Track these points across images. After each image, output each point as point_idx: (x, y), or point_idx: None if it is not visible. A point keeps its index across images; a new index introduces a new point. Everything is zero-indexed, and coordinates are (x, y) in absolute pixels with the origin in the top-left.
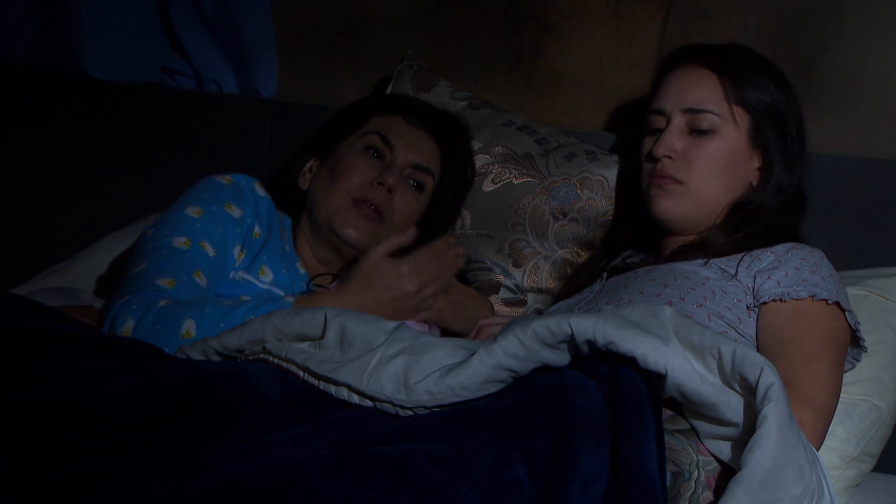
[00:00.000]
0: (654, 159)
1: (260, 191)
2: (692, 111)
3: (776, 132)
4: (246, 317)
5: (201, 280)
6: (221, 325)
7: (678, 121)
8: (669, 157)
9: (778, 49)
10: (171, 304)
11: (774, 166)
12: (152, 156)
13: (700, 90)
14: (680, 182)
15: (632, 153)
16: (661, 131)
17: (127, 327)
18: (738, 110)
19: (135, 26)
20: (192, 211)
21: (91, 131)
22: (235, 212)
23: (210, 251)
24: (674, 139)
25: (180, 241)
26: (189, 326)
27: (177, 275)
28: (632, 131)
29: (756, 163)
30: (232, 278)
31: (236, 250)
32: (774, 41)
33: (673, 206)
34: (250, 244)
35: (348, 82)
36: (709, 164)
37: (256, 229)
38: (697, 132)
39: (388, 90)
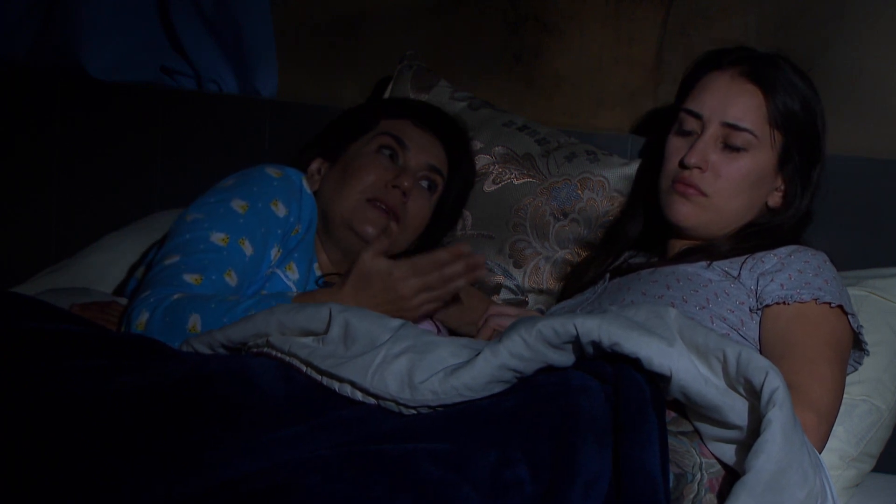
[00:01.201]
0: (681, 164)
1: (307, 187)
2: (731, 126)
3: (806, 159)
4: (248, 312)
5: (232, 280)
6: (224, 319)
7: (714, 131)
8: (700, 168)
9: (778, 49)
10: (181, 297)
11: (798, 193)
12: (152, 156)
13: (744, 106)
14: (705, 195)
15: (634, 154)
16: (692, 134)
17: (142, 320)
18: (776, 134)
19: (135, 26)
20: (238, 205)
21: (91, 131)
22: (281, 210)
23: (248, 250)
24: (708, 150)
25: (219, 238)
26: (195, 321)
27: (206, 272)
28: (641, 131)
29: (777, 183)
30: (263, 273)
31: (274, 251)
32: (774, 41)
33: (693, 215)
34: (286, 241)
35: (348, 82)
36: (737, 182)
37: (297, 226)
38: (731, 148)
39: (388, 91)
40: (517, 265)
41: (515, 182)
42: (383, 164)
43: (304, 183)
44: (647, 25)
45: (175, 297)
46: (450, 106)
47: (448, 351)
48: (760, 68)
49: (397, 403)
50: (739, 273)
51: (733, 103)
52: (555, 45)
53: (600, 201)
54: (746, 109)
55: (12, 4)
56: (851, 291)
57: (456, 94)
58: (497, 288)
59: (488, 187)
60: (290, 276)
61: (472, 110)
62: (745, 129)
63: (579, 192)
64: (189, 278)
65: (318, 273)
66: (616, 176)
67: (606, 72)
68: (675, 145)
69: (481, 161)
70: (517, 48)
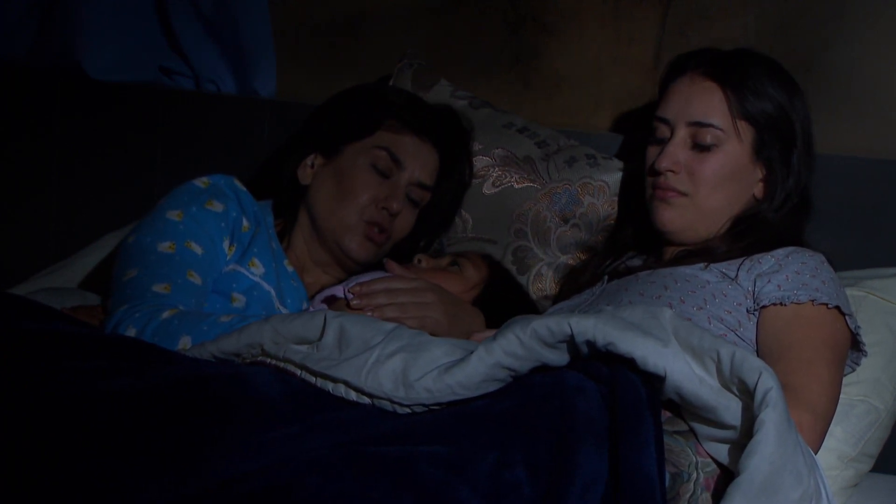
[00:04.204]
0: (657, 172)
1: (240, 185)
2: (696, 124)
3: (781, 145)
4: None
5: (195, 279)
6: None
7: (682, 133)
8: (672, 171)
9: (778, 49)
10: (172, 316)
11: (779, 180)
12: (152, 156)
13: (704, 103)
14: (684, 194)
15: (633, 154)
16: (664, 140)
17: (128, 335)
18: (742, 124)
19: (134, 26)
20: (173, 214)
21: (91, 131)
22: (217, 207)
23: (198, 249)
24: (677, 152)
25: (165, 246)
26: (185, 343)
27: (171, 278)
28: (633, 132)
29: (759, 174)
30: (223, 271)
31: (225, 244)
32: (774, 41)
33: (677, 217)
34: (239, 237)
35: (348, 82)
36: (712, 178)
37: (244, 223)
38: (701, 146)
39: None
40: (520, 272)
41: (516, 186)
42: (376, 180)
43: (235, 182)
44: (647, 26)
45: (165, 315)
46: (450, 105)
47: (441, 350)
48: (719, 65)
49: (392, 402)
50: (737, 274)
51: (695, 102)
52: (554, 46)
53: (601, 206)
54: (708, 106)
55: (12, 4)
56: (850, 292)
57: (456, 93)
58: None
59: (488, 190)
60: (255, 271)
61: (473, 109)
62: (709, 125)
63: (580, 197)
64: (159, 288)
65: (291, 269)
66: (616, 180)
67: (606, 72)
68: (650, 154)
69: (481, 162)
70: (517, 48)
